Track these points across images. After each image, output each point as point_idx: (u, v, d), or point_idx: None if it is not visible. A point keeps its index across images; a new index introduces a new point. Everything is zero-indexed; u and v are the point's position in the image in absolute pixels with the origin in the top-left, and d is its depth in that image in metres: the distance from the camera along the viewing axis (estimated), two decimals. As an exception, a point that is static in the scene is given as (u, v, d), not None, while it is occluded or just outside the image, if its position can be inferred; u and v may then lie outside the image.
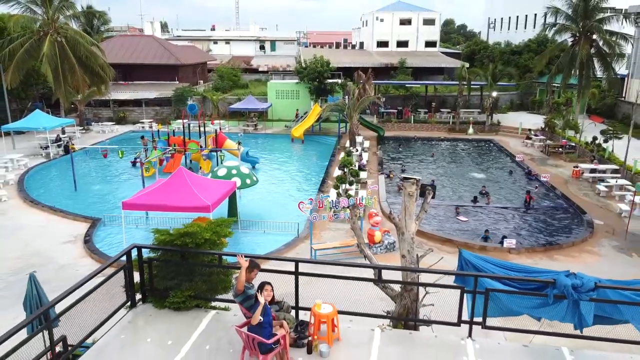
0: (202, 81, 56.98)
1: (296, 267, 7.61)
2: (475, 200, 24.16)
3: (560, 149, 33.57)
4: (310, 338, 6.96)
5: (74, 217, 21.09)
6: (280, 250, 17.69)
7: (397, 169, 30.02)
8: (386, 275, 8.24)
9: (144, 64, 49.01)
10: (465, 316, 7.45)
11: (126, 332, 7.44)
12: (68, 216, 21.26)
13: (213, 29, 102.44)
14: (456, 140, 39.25)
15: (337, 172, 26.06)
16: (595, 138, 30.90)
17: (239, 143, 27.69)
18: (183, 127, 29.07)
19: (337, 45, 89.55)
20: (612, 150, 29.46)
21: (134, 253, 8.01)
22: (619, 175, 26.61)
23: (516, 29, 75.29)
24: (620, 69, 44.15)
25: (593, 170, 27.72)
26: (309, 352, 6.86)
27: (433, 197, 8.45)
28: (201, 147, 27.80)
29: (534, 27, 64.26)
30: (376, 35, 74.14)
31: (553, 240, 19.55)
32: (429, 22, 74.08)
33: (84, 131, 40.10)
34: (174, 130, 30.54)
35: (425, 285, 7.99)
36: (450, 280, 8.02)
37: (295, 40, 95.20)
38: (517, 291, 7.21)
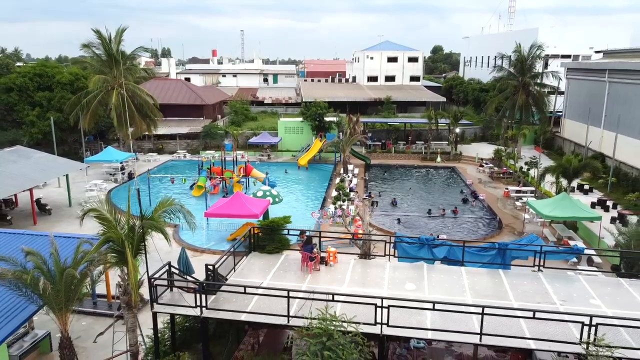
0: (219, 116, 68.16)
1: (319, 234, 18.51)
2: (430, 212, 35.01)
3: (502, 175, 44.66)
4: (326, 260, 17.70)
5: (160, 224, 31.74)
6: (299, 242, 28.44)
7: (376, 193, 40.79)
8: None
9: (176, 104, 60.18)
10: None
11: (250, 261, 18.16)
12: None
13: (216, 56, 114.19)
14: (426, 167, 50.31)
15: (334, 193, 36.92)
16: (521, 167, 42.05)
17: (267, 173, 38.69)
18: (222, 159, 40.07)
19: (333, 79, 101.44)
20: (534, 176, 40.48)
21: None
22: (533, 195, 37.58)
23: (488, 66, 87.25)
24: (559, 106, 55.59)
25: (518, 191, 38.69)
26: (326, 265, 17.61)
27: (376, 206, 19.31)
28: (230, 178, 38.73)
29: (502, 68, 75.99)
30: (367, 70, 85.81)
31: (473, 236, 30.45)
32: (413, 59, 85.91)
33: (134, 160, 50.89)
34: (213, 162, 41.50)
35: (372, 240, 18.88)
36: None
37: (294, 74, 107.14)
38: (408, 242, 18.01)
